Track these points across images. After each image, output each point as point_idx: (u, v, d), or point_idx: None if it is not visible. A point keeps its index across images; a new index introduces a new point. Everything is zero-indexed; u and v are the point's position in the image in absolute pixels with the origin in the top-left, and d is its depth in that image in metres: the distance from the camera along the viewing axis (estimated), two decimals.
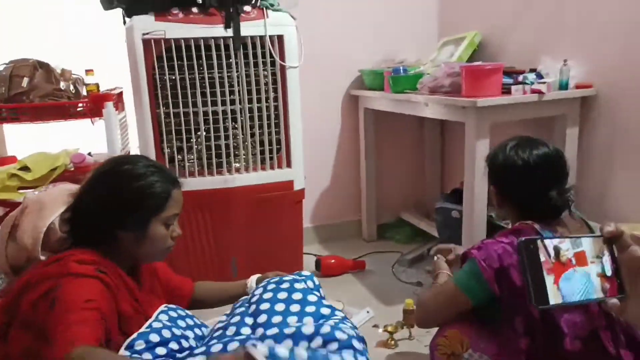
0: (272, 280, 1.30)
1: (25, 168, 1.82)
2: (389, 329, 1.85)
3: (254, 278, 1.43)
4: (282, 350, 0.99)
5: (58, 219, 1.13)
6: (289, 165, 2.19)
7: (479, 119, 1.88)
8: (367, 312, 2.07)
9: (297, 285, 1.28)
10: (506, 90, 1.99)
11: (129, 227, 1.13)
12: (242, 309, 1.27)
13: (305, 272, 1.38)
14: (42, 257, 1.10)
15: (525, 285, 0.68)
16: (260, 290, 1.27)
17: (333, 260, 2.51)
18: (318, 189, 2.91)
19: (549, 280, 0.67)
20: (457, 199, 2.26)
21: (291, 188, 2.20)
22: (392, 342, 1.85)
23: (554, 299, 0.67)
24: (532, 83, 1.98)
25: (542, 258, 0.68)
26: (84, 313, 0.97)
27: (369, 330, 1.96)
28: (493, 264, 1.21)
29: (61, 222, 1.12)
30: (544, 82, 1.96)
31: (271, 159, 2.16)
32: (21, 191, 1.78)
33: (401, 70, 2.38)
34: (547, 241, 0.70)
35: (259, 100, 2.08)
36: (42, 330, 0.98)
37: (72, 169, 1.88)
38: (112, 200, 1.13)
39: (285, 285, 1.27)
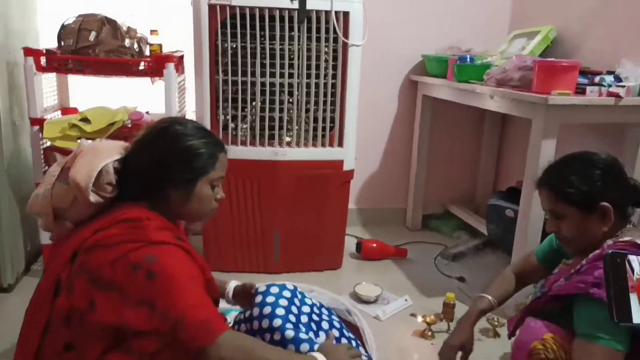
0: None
1: (85, 120, 1.87)
2: (428, 319, 1.81)
3: (232, 285, 1.45)
4: None
5: (111, 164, 1.15)
6: (340, 144, 2.15)
7: (548, 117, 1.77)
8: (405, 300, 2.04)
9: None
10: (580, 91, 1.87)
11: (178, 184, 1.16)
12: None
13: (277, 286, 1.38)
14: (92, 198, 1.11)
15: (607, 302, 0.64)
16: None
17: (375, 245, 2.48)
18: (366, 171, 2.86)
19: (633, 297, 0.62)
20: (512, 198, 2.17)
21: (340, 168, 2.17)
22: (430, 333, 1.81)
23: (638, 317, 0.62)
24: (610, 85, 1.85)
25: (628, 274, 0.63)
26: (197, 291, 1.06)
27: (406, 318, 1.93)
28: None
29: (113, 169, 1.15)
30: (623, 86, 1.83)
31: (323, 136, 2.13)
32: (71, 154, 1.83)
33: (468, 59, 2.28)
34: (632, 257, 0.65)
35: (317, 76, 2.05)
36: (121, 290, 1.04)
37: (130, 125, 1.91)
38: (163, 157, 1.16)
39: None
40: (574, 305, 1.16)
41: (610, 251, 0.65)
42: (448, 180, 2.99)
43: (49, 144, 2.00)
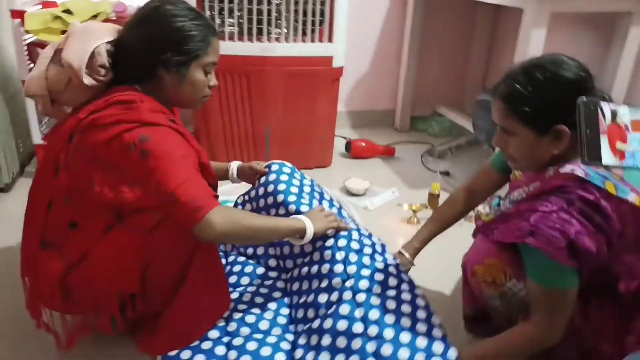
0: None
1: (67, 11, 1.80)
2: (414, 207, 1.90)
3: (234, 164, 1.50)
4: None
5: (103, 46, 1.14)
6: (330, 39, 2.12)
7: (539, 5, 1.75)
8: (393, 192, 2.12)
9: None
10: None
11: (171, 67, 1.15)
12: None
13: (277, 164, 1.49)
14: (86, 80, 1.12)
15: (579, 145, 0.67)
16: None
17: (363, 144, 2.53)
18: (356, 72, 2.84)
19: (603, 140, 0.67)
20: None
21: (330, 64, 2.16)
22: (415, 220, 1.91)
23: (607, 159, 0.67)
24: None
25: (600, 118, 0.67)
26: (188, 169, 1.09)
27: (393, 208, 2.03)
28: (559, 243, 1.00)
29: (106, 52, 1.14)
30: None
31: (313, 31, 2.09)
32: (63, 35, 1.78)
33: None
34: (604, 104, 0.68)
35: None
36: (117, 167, 1.08)
37: (114, 17, 1.85)
38: (154, 38, 1.14)
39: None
40: (522, 249, 1.10)
41: (584, 98, 0.67)
42: (437, 81, 2.99)
43: (32, 39, 1.95)
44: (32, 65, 1.97)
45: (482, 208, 1.33)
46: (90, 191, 1.09)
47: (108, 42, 1.16)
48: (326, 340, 1.12)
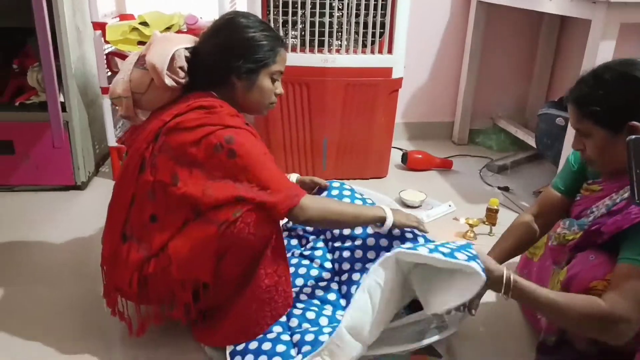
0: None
1: (144, 23, 1.94)
2: (470, 221, 1.88)
3: (293, 176, 1.56)
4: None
5: (182, 50, 1.24)
6: (390, 51, 2.15)
7: (608, 15, 1.70)
8: (449, 205, 2.10)
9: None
10: None
11: (242, 74, 1.25)
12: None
13: (339, 182, 1.59)
14: (167, 81, 1.21)
15: (630, 184, 0.66)
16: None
17: (420, 155, 2.52)
18: (414, 84, 2.85)
19: None
20: (565, 108, 2.13)
21: (389, 75, 2.18)
22: (472, 234, 1.88)
23: None
24: None
25: None
26: (273, 165, 1.21)
27: (449, 222, 2.01)
28: None
29: (184, 57, 1.24)
30: None
31: (373, 42, 2.13)
32: (140, 46, 1.91)
33: None
34: None
35: None
36: (203, 166, 1.17)
37: (186, 30, 1.97)
38: (227, 47, 1.25)
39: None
40: (627, 236, 1.07)
41: (633, 137, 0.66)
42: (498, 93, 2.93)
43: (110, 49, 2.10)
44: (109, 73, 2.12)
45: (561, 231, 1.27)
46: (173, 188, 1.17)
47: (186, 49, 1.26)
48: None
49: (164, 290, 1.20)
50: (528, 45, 2.84)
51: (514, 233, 1.42)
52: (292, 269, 1.46)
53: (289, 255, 1.53)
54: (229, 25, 1.27)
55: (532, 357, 1.25)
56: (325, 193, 1.54)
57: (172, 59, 1.22)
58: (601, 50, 1.74)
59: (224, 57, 1.25)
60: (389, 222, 1.30)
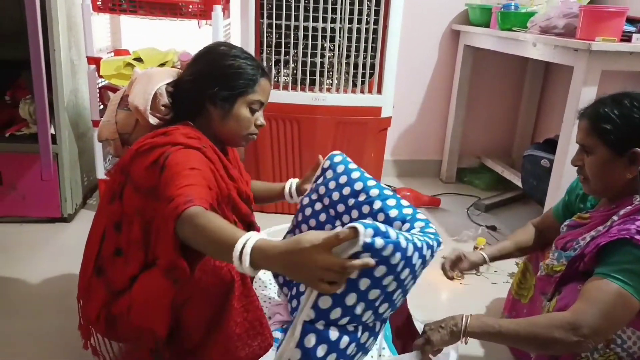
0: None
1: (138, 59, 1.97)
2: None
3: (293, 182, 1.48)
4: (391, 231, 0.92)
5: (164, 87, 1.24)
6: (379, 91, 2.20)
7: (590, 63, 1.76)
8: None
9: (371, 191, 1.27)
10: (626, 38, 1.84)
11: (217, 101, 1.22)
12: (325, 216, 1.31)
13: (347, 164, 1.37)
14: (151, 120, 1.22)
15: None
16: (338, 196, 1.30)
17: (408, 193, 2.54)
18: (403, 122, 2.90)
19: None
20: (549, 149, 2.18)
21: (378, 114, 2.22)
22: (459, 273, 1.88)
23: None
24: None
25: None
26: (193, 178, 1.05)
27: (436, 260, 1.99)
28: None
29: (166, 93, 1.25)
30: None
31: (363, 82, 2.17)
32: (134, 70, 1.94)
33: (512, 7, 2.25)
34: None
35: (359, 22, 2.07)
36: (153, 193, 1.09)
37: (179, 66, 2.00)
38: (204, 74, 1.23)
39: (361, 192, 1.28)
40: (606, 252, 1.09)
41: None
42: (485, 133, 2.99)
43: (103, 83, 2.12)
44: (102, 106, 2.14)
45: (549, 262, 1.30)
46: (135, 219, 1.13)
47: (168, 83, 1.26)
48: None
49: (130, 332, 1.16)
50: (514, 87, 2.92)
51: (515, 237, 1.55)
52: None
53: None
54: (208, 53, 1.26)
55: None
56: (330, 173, 1.35)
57: (155, 97, 1.21)
58: (583, 95, 1.79)
59: (200, 84, 1.22)
60: (243, 261, 0.88)
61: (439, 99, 2.89)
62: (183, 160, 1.10)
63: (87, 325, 1.24)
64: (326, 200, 1.31)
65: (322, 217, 1.31)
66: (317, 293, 0.93)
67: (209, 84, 1.21)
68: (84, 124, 2.24)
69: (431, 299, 1.79)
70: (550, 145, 2.20)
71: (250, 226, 1.34)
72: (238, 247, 0.87)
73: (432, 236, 1.09)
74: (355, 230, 0.85)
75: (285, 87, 2.14)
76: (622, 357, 1.10)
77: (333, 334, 0.95)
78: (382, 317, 1.04)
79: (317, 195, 1.34)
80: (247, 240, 0.88)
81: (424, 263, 1.04)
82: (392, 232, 0.91)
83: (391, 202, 1.23)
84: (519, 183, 2.46)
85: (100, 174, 2.19)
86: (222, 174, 1.21)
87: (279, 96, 2.09)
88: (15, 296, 1.63)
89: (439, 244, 1.09)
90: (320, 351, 0.94)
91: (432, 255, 1.06)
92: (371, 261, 0.88)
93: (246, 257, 0.86)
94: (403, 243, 0.92)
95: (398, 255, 0.91)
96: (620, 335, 1.08)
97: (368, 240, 0.86)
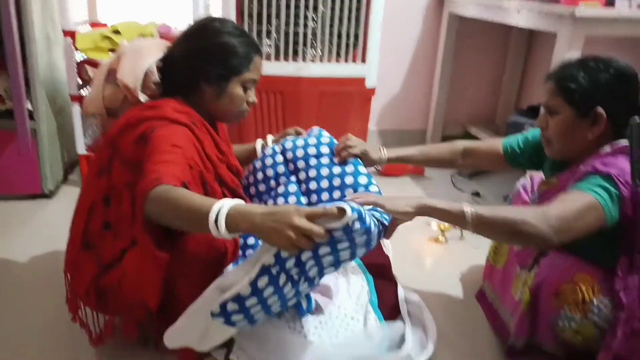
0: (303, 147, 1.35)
1: (116, 32, 1.91)
2: (442, 226, 1.91)
3: (270, 138, 1.49)
4: (367, 217, 0.98)
5: (154, 64, 1.21)
6: (363, 60, 2.17)
7: (574, 29, 1.76)
8: None
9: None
10: (610, 3, 1.84)
11: (212, 80, 1.21)
12: (283, 169, 1.36)
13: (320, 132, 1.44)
14: (142, 98, 1.19)
15: (631, 169, 0.68)
16: (301, 154, 1.35)
17: None
18: (387, 92, 2.88)
19: None
20: (532, 115, 2.20)
21: (363, 84, 2.20)
22: (443, 238, 1.91)
23: None
24: None
25: None
26: (171, 155, 1.05)
27: (421, 226, 2.03)
28: (629, 179, 1.07)
29: (156, 68, 1.21)
30: None
31: (346, 52, 2.15)
32: (111, 54, 1.89)
33: None
34: None
35: None
36: (141, 167, 1.07)
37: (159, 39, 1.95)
38: (198, 51, 1.20)
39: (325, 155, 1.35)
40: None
41: (637, 120, 0.69)
42: (469, 101, 3.00)
43: (81, 57, 2.06)
44: (80, 81, 2.08)
45: None
46: (125, 193, 1.12)
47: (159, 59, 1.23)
48: None
49: (120, 305, 1.16)
50: (498, 56, 2.91)
51: (440, 149, 1.53)
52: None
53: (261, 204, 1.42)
54: (202, 30, 1.23)
55: None
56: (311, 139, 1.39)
57: (145, 75, 1.19)
58: None
59: (194, 62, 1.19)
60: (219, 225, 0.92)
61: (424, 68, 2.87)
62: (167, 135, 1.08)
63: (75, 299, 1.24)
64: (289, 155, 1.34)
65: (280, 168, 1.34)
66: None
67: (203, 62, 1.19)
68: (61, 98, 2.18)
69: (413, 263, 1.82)
70: (534, 112, 2.22)
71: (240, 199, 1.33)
72: (213, 212, 0.91)
73: (386, 217, 1.17)
74: (342, 211, 0.91)
75: (268, 58, 2.11)
76: (598, 324, 1.13)
77: (282, 279, 1.00)
78: (323, 275, 1.11)
79: (281, 148, 1.37)
80: (222, 206, 0.92)
81: (374, 243, 1.11)
82: (367, 218, 0.98)
83: (349, 168, 1.31)
84: None
85: (81, 149, 2.15)
86: (210, 152, 1.20)
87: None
88: (0, 272, 1.61)
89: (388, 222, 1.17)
90: (267, 292, 1.00)
91: (378, 235, 1.12)
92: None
93: (222, 221, 0.90)
94: (373, 230, 1.01)
95: (364, 238, 1.00)
96: (597, 304, 1.11)
97: (350, 223, 0.93)
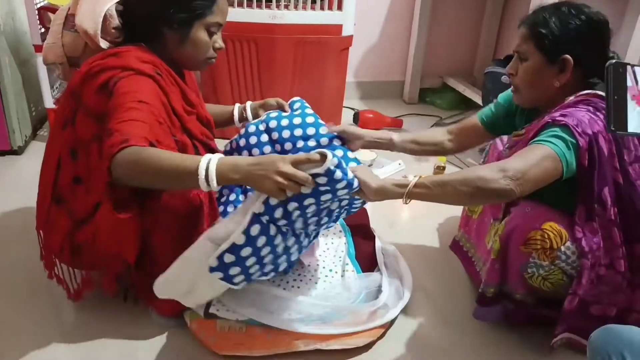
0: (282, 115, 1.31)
1: None
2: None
3: (249, 104, 1.44)
4: (349, 171, 1.02)
5: (114, 7, 1.15)
6: (339, 7, 2.11)
7: None
8: (399, 164, 2.13)
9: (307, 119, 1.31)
10: None
11: (174, 25, 1.15)
12: (269, 149, 1.30)
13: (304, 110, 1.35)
14: (102, 44, 1.13)
15: (606, 111, 0.67)
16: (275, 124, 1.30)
17: (371, 115, 2.53)
18: (365, 43, 2.82)
19: (631, 106, 0.66)
20: None
21: (339, 33, 2.15)
22: None
23: (633, 126, 0.66)
24: None
25: (630, 83, 0.66)
26: (137, 112, 1.01)
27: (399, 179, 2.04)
28: (587, 129, 1.09)
29: (116, 12, 1.15)
30: None
31: None
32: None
33: None
34: (637, 68, 0.68)
35: None
36: (104, 118, 1.04)
37: None
38: None
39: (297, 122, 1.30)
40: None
41: (614, 60, 0.67)
42: (447, 52, 2.96)
43: (42, 3, 1.95)
44: (43, 29, 1.98)
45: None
46: (92, 145, 1.09)
47: (117, 2, 1.16)
48: None
49: (95, 259, 1.16)
50: (476, 5, 2.86)
51: (424, 137, 1.48)
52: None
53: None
54: None
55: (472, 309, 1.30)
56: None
57: (105, 19, 1.12)
58: None
59: (155, 6, 1.13)
60: (210, 180, 0.95)
61: (401, 17, 2.81)
62: (133, 89, 1.04)
63: (50, 256, 1.23)
64: (275, 135, 1.29)
65: (267, 149, 1.29)
66: None
67: (164, 5, 1.13)
68: (25, 49, 2.09)
69: (392, 216, 1.84)
70: (510, 61, 2.19)
71: (212, 151, 1.29)
72: (202, 168, 0.94)
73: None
74: (324, 156, 0.96)
75: (241, 4, 2.03)
76: (565, 270, 1.16)
77: (272, 229, 1.03)
78: (307, 231, 1.14)
79: (265, 126, 1.30)
80: (209, 160, 0.95)
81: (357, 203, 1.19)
82: (350, 172, 1.03)
83: (338, 152, 1.26)
84: (480, 101, 2.47)
85: (49, 102, 2.08)
86: (176, 105, 1.15)
87: (234, 14, 1.97)
88: None
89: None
90: (260, 242, 1.03)
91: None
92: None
93: (212, 175, 0.94)
94: (354, 183, 1.04)
95: (346, 190, 1.03)
96: (565, 251, 1.14)
97: (332, 167, 0.96)
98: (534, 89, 1.23)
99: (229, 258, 1.02)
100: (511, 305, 1.24)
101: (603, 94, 1.16)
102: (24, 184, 1.81)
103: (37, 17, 1.94)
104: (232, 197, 1.32)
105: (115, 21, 1.15)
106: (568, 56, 1.16)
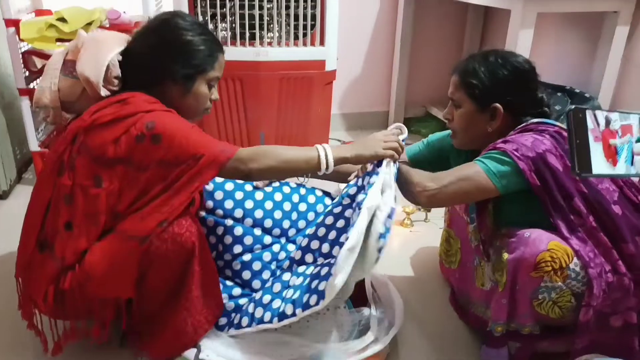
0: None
1: (62, 20, 1.82)
2: (407, 210, 1.92)
3: (330, 152, 1.21)
4: None
5: (116, 57, 1.17)
6: (322, 43, 2.15)
7: (526, 5, 1.78)
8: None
9: None
10: None
11: (177, 79, 1.19)
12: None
13: None
14: (102, 92, 1.15)
15: (570, 154, 0.69)
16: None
17: None
18: (348, 75, 2.87)
19: (594, 148, 0.68)
20: None
21: (323, 68, 2.18)
22: (409, 221, 1.93)
23: (597, 168, 0.68)
24: None
25: (591, 125, 0.69)
26: (203, 135, 1.12)
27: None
28: (528, 152, 1.14)
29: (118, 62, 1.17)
30: None
31: (304, 35, 2.12)
32: (59, 43, 1.80)
33: None
34: (597, 111, 0.71)
35: None
36: (138, 163, 1.09)
37: (108, 25, 1.88)
38: (162, 48, 1.18)
39: None
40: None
41: (573, 106, 0.70)
42: (429, 81, 3.02)
43: (27, 47, 1.97)
44: (27, 73, 1.99)
45: (471, 229, 1.35)
46: (95, 189, 1.10)
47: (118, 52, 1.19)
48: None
49: (82, 307, 1.13)
50: (456, 34, 2.94)
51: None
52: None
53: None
54: (165, 26, 1.19)
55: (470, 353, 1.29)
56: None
57: (107, 68, 1.14)
58: (521, 38, 1.83)
59: (159, 60, 1.17)
60: (326, 162, 1.14)
61: (383, 48, 2.87)
62: (174, 123, 1.11)
63: (29, 305, 1.19)
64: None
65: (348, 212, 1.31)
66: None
67: (167, 60, 1.17)
68: (9, 93, 2.08)
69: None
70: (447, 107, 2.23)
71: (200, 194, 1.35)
72: (322, 154, 1.14)
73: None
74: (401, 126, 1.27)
75: (224, 43, 2.06)
76: (575, 291, 1.14)
77: None
78: None
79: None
80: (323, 148, 1.15)
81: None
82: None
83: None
84: None
85: (34, 145, 2.06)
86: None
87: None
88: None
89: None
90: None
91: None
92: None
93: (330, 158, 1.14)
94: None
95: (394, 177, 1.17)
96: (574, 268, 1.12)
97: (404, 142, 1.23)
98: (470, 133, 1.30)
99: (389, 223, 1.11)
100: (517, 344, 1.21)
101: (545, 120, 1.24)
102: (8, 230, 1.75)
103: (22, 61, 1.96)
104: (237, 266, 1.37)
105: (117, 71, 1.16)
106: (498, 105, 1.23)
